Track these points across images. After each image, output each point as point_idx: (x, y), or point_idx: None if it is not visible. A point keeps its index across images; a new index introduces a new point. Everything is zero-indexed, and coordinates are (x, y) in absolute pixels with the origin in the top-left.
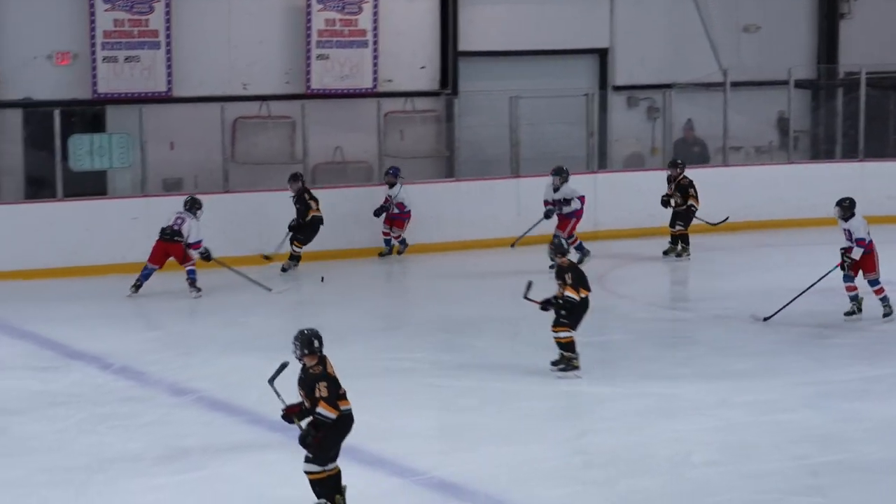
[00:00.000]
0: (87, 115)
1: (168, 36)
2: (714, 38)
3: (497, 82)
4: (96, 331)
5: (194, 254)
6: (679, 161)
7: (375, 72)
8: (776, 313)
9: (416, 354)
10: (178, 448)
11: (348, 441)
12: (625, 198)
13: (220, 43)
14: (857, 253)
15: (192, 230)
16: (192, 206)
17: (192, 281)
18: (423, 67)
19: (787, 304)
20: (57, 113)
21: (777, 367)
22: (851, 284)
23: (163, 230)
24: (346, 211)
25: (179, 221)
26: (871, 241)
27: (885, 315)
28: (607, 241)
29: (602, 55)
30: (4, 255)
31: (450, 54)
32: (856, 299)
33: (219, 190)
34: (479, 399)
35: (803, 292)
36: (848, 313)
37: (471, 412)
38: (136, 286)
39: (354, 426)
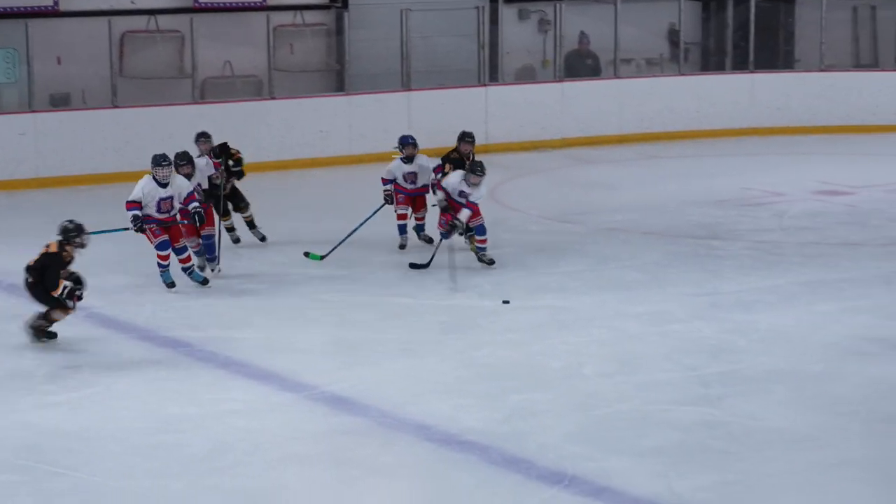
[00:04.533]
0: None
1: None
2: None
3: None
4: None
5: None
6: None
7: None
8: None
9: (307, 269)
10: (69, 366)
11: (238, 356)
12: (516, 111)
13: None
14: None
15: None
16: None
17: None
18: None
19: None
20: None
21: (668, 279)
22: None
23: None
24: (237, 125)
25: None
26: None
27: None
28: (498, 154)
29: None
30: None
31: None
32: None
33: (107, 105)
34: (372, 314)
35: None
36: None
37: (364, 327)
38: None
39: (244, 342)
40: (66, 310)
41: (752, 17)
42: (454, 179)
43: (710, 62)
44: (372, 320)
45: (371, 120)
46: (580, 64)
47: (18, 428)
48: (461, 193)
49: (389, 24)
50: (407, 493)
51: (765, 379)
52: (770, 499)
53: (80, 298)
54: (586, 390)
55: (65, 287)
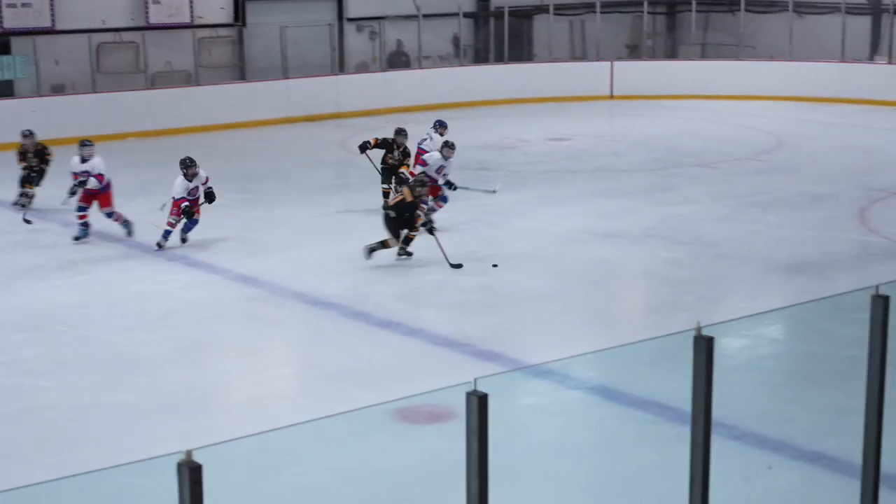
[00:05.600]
0: None
1: None
2: None
3: (276, 17)
4: (9, 187)
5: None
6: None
7: (191, 11)
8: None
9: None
10: (68, 261)
11: (180, 252)
12: (356, 90)
13: None
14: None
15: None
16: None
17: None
18: (222, 8)
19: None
20: None
21: (459, 196)
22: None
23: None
24: (174, 104)
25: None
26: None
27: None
28: (348, 119)
29: None
30: None
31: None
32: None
33: (90, 91)
34: (267, 223)
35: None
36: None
37: (262, 231)
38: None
39: (185, 245)
40: (396, 241)
41: (506, 28)
42: (435, 156)
43: (480, 57)
44: (267, 227)
45: (263, 98)
46: (397, 60)
47: (34, 302)
48: (439, 170)
49: (273, 35)
50: (291, 335)
51: (518, 257)
52: (523, 334)
53: (431, 232)
54: (405, 266)
55: (423, 223)
